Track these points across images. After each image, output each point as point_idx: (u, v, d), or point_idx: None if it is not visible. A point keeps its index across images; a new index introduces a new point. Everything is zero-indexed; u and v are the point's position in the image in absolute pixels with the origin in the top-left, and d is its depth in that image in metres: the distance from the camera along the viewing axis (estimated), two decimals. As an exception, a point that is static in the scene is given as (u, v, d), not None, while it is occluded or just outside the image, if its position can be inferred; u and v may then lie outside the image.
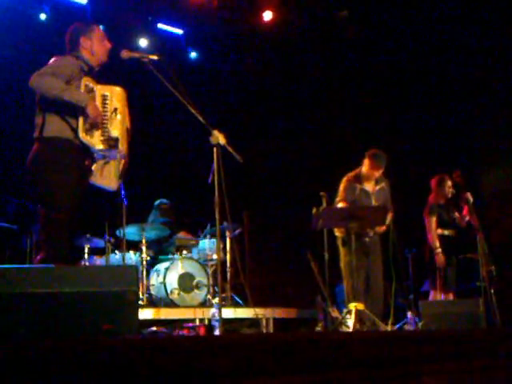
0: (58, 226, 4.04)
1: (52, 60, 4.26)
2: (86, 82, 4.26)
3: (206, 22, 9.38)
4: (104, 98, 4.32)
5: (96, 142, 4.21)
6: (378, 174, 6.56)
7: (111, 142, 4.21)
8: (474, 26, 8.67)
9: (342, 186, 6.57)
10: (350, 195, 6.49)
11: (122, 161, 4.37)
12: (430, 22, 8.88)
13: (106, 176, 4.34)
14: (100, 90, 4.32)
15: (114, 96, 4.37)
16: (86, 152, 4.24)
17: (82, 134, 4.14)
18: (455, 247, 7.24)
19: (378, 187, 6.61)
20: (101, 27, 4.58)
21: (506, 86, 8.65)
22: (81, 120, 4.14)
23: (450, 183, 7.24)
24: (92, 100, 4.20)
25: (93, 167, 4.31)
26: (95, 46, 4.40)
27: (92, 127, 4.18)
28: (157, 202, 8.40)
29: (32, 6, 8.39)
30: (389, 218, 6.47)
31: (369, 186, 6.58)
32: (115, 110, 4.31)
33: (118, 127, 4.32)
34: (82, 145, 4.18)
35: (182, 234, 8.20)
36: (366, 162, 6.54)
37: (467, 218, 7.09)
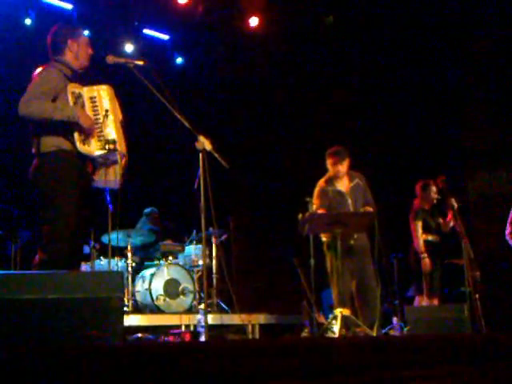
0: (60, 235, 4.04)
1: (35, 75, 4.21)
2: (72, 89, 4.23)
3: (192, 28, 9.39)
4: (93, 100, 4.30)
5: (94, 149, 4.20)
6: (343, 168, 6.43)
7: (109, 146, 4.20)
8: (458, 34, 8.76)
9: (315, 194, 6.51)
10: (323, 200, 6.40)
11: (123, 160, 4.37)
12: (413, 29, 8.94)
13: (110, 177, 4.33)
14: (87, 92, 4.30)
15: (102, 96, 4.35)
16: (87, 159, 4.24)
17: (79, 145, 4.14)
18: (440, 252, 7.26)
19: (352, 184, 6.46)
20: (86, 32, 4.57)
21: (491, 90, 8.72)
22: (76, 132, 4.13)
23: (434, 189, 7.25)
24: (82, 110, 4.19)
25: (96, 173, 4.30)
26: (81, 50, 4.39)
27: (87, 136, 4.18)
28: (147, 210, 8.38)
29: (18, 10, 8.34)
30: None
31: (342, 186, 6.45)
32: (106, 111, 4.29)
33: (112, 128, 4.31)
34: (81, 154, 4.18)
35: (167, 242, 8.18)
36: (328, 162, 6.48)
37: (451, 224, 7.11)
